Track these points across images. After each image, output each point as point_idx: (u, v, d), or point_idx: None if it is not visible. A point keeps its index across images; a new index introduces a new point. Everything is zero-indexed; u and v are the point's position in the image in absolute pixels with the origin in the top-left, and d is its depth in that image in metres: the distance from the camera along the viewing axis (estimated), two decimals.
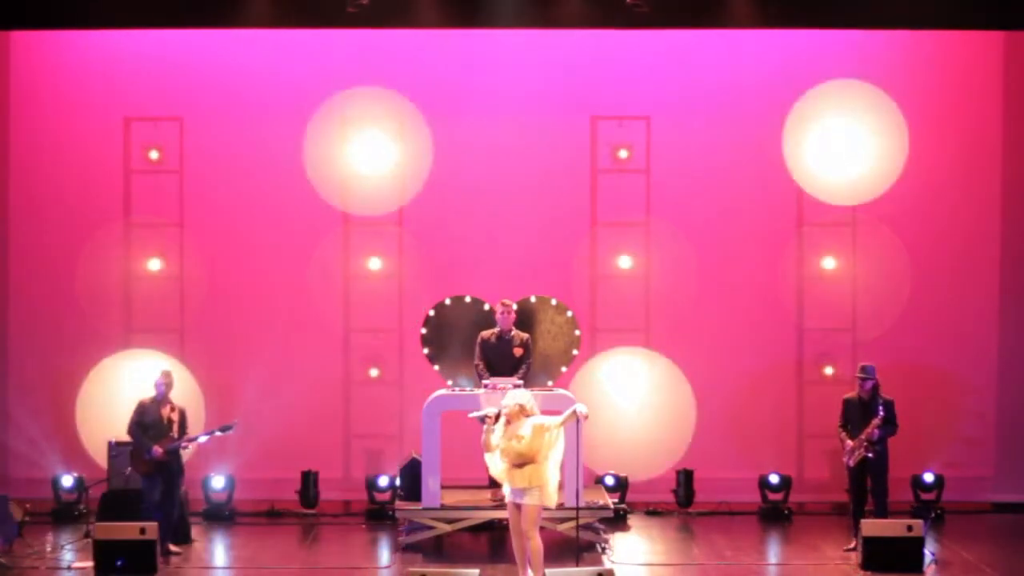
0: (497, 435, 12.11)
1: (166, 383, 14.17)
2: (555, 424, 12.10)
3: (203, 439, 14.38)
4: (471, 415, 12.63)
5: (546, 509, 12.23)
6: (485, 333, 14.85)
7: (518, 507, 12.10)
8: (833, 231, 16.85)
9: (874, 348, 16.32)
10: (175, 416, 14.13)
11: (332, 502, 16.53)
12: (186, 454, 14.36)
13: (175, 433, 14.08)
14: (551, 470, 12.07)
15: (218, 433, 14.34)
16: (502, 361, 14.66)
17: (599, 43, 16.52)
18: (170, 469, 14.10)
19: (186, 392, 15.53)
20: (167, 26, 15.83)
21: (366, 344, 16.83)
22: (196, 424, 14.70)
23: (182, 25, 15.82)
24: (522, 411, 12.10)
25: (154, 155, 16.73)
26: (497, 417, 12.17)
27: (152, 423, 14.07)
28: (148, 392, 14.26)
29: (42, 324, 16.65)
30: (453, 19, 15.77)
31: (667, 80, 16.68)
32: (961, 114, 16.70)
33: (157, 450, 13.98)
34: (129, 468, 14.55)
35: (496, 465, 12.19)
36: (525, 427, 12.04)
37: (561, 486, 12.54)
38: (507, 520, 12.31)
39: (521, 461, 12.01)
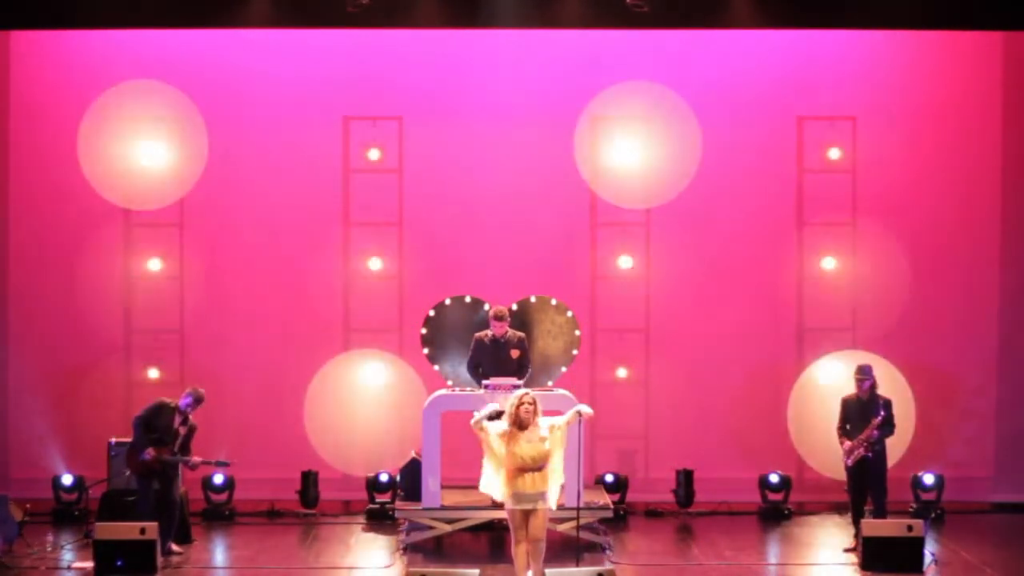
0: (495, 436, 11.95)
1: (193, 403, 14.05)
2: (563, 424, 12.07)
3: (194, 465, 14.21)
4: (472, 422, 12.39)
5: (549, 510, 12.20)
6: (479, 334, 14.76)
7: (526, 514, 11.97)
8: (833, 231, 16.85)
9: (874, 348, 16.31)
10: (183, 430, 14.06)
11: (332, 502, 16.53)
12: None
13: (176, 447, 14.04)
14: (558, 471, 12.05)
15: (212, 463, 14.34)
16: (499, 364, 14.46)
17: (598, 43, 16.51)
18: (164, 474, 14.05)
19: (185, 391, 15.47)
20: (167, 26, 15.81)
21: (366, 344, 16.82)
22: (200, 433, 14.57)
23: (182, 25, 15.78)
24: (537, 411, 11.95)
25: (155, 155, 16.72)
26: (499, 415, 12.11)
27: (161, 427, 14.00)
28: (172, 399, 14.16)
29: (42, 324, 16.64)
30: (453, 19, 15.74)
31: (667, 81, 16.67)
32: (961, 114, 16.70)
33: (150, 452, 13.93)
34: (128, 471, 14.51)
35: (493, 475, 11.98)
36: (543, 428, 11.96)
37: (562, 488, 12.48)
38: (508, 520, 12.19)
39: (539, 464, 11.91)
